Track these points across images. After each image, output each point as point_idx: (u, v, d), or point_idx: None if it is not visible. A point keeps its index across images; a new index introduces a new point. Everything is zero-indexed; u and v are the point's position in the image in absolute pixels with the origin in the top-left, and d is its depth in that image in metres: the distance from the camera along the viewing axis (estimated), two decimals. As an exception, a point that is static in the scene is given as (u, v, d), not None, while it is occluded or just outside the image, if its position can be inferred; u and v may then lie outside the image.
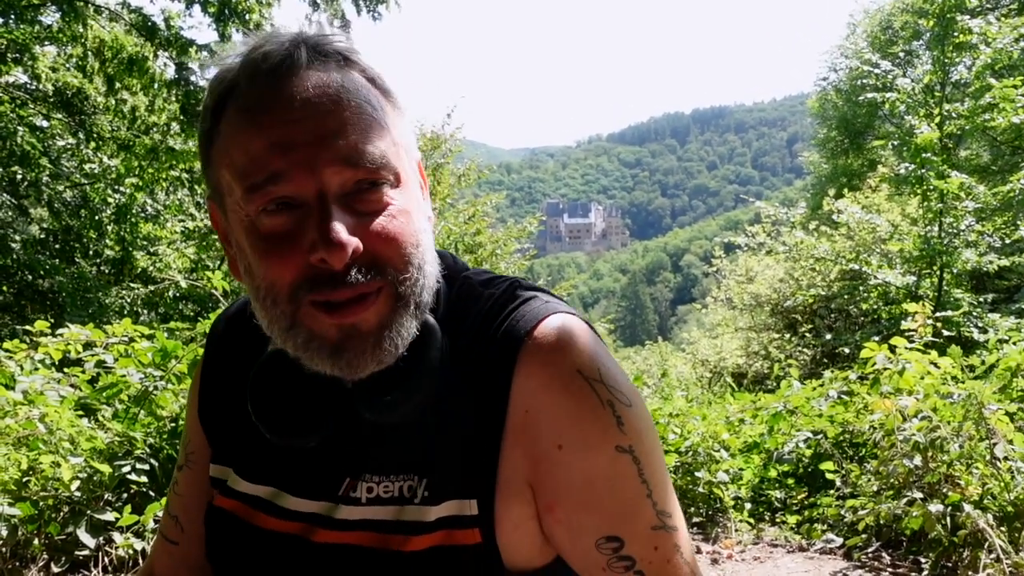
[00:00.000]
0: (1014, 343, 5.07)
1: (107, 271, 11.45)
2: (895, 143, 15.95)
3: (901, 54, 20.97)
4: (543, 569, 0.96)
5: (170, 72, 9.93)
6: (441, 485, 0.91)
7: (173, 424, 3.74)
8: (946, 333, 5.37)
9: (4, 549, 3.09)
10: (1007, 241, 10.64)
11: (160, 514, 3.27)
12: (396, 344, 0.87)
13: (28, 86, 10.79)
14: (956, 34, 11.39)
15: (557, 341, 0.90)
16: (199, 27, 23.70)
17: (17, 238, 10.31)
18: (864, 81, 17.44)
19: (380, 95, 0.90)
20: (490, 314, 0.95)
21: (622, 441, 0.89)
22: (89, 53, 9.72)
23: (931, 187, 9.72)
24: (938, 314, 5.57)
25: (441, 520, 0.90)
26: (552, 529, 0.92)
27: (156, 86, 9.93)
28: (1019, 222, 10.66)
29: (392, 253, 0.86)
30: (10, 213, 10.91)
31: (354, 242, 0.83)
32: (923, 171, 9.66)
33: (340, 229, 0.82)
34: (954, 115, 11.48)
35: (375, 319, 0.87)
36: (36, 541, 3.18)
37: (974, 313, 9.66)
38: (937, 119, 10.89)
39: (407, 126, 0.93)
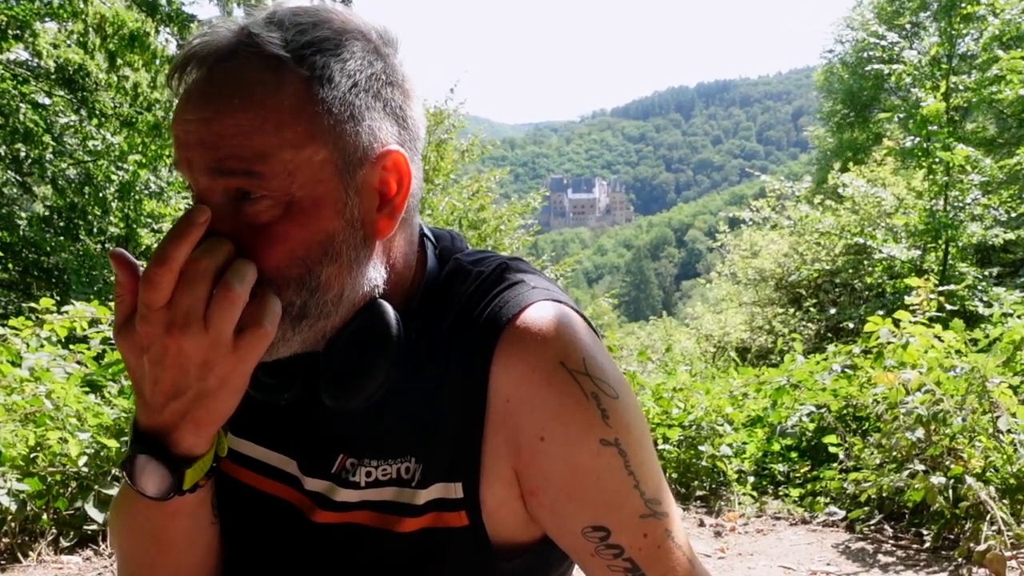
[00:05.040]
0: (1018, 316, 5.06)
1: (112, 248, 11.45)
2: (901, 116, 15.85)
3: (908, 26, 20.77)
4: (530, 545, 0.96)
5: (172, 48, 9.88)
6: (431, 469, 0.91)
7: (179, 400, 3.75)
8: (950, 307, 5.36)
9: (13, 524, 3.13)
10: (1013, 214, 10.61)
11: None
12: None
13: (29, 63, 10.73)
14: (964, 5, 11.29)
15: (539, 330, 0.88)
16: (200, 2, 23.57)
17: (22, 215, 10.32)
18: (870, 53, 17.31)
19: (313, 105, 0.83)
20: (474, 296, 0.94)
21: (607, 434, 0.87)
22: (90, 29, 9.64)
23: (937, 160, 9.66)
24: (942, 288, 5.55)
25: (430, 503, 0.90)
26: (537, 512, 0.92)
27: (158, 62, 9.86)
28: (1025, 195, 10.62)
29: (270, 269, 0.83)
30: (14, 191, 10.91)
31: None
32: (929, 144, 9.60)
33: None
34: (961, 87, 11.41)
35: None
36: (45, 516, 3.22)
37: (979, 287, 9.64)
38: (943, 91, 10.81)
39: (360, 142, 0.85)
